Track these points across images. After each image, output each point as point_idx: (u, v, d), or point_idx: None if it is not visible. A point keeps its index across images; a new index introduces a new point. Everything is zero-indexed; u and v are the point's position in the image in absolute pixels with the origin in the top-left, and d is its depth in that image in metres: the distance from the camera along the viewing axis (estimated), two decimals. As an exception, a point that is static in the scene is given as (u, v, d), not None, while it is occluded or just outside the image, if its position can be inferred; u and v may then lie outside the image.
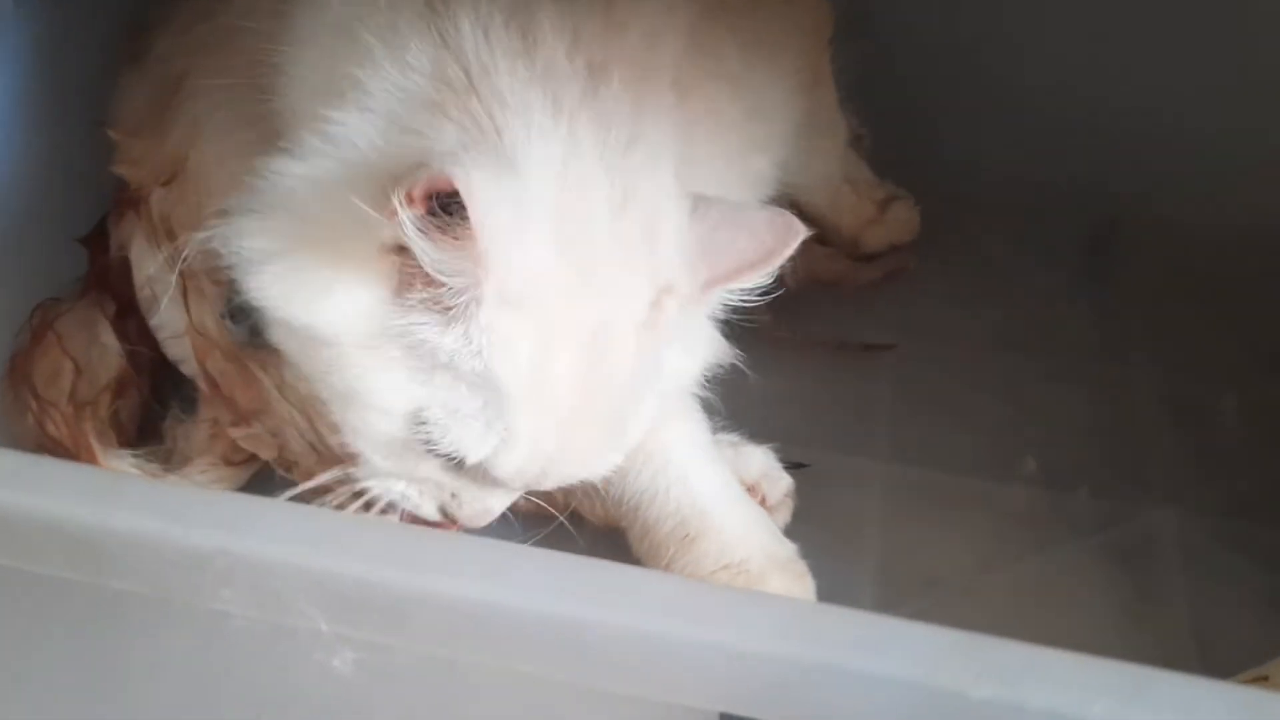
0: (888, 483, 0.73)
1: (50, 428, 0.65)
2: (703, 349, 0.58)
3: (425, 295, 0.47)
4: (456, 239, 0.43)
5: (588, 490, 0.62)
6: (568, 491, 0.62)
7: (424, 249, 0.44)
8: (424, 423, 0.48)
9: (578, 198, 0.48)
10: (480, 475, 0.50)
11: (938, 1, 0.90)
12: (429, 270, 0.45)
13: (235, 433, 0.65)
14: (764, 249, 0.49)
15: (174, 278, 0.66)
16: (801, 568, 0.63)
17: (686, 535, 0.62)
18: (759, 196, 0.65)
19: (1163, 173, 0.90)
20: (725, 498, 0.64)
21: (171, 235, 0.66)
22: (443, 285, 0.45)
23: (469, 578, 0.31)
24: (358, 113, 0.48)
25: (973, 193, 0.92)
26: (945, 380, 0.81)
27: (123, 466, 0.64)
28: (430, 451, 0.49)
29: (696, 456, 0.64)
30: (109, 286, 0.72)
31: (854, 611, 0.36)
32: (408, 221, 0.43)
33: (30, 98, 0.71)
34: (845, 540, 0.68)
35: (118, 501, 0.32)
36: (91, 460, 0.64)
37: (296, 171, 0.48)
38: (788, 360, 0.76)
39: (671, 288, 0.50)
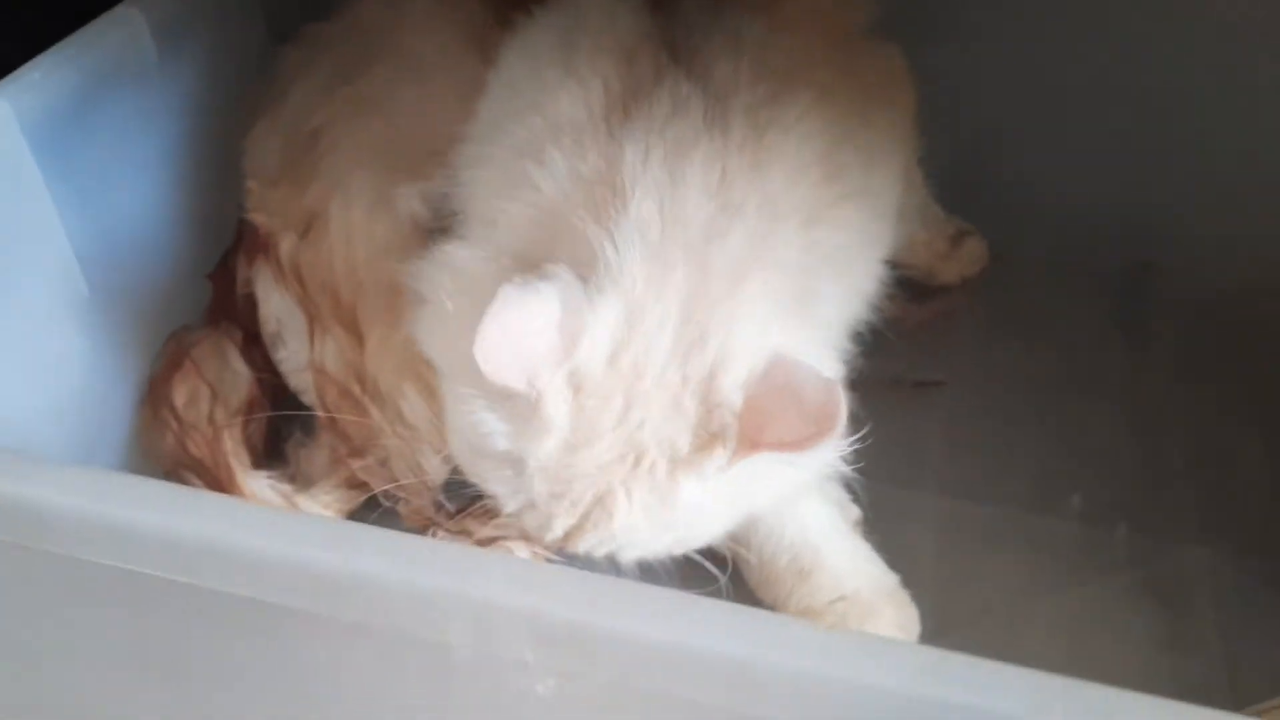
0: (939, 516, 0.77)
1: (192, 448, 0.72)
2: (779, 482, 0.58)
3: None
4: None
5: None
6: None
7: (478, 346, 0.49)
8: (476, 463, 0.56)
9: (647, 335, 0.52)
10: None
11: (980, 48, 0.93)
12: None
13: (352, 463, 0.72)
14: (805, 432, 0.50)
15: (301, 317, 0.73)
16: (906, 597, 0.68)
17: (801, 569, 0.66)
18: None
19: (1196, 218, 0.95)
20: (836, 533, 0.68)
21: (300, 280, 0.72)
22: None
23: (650, 620, 0.38)
24: (521, 209, 0.55)
25: (1015, 235, 0.96)
26: (992, 417, 0.85)
27: (258, 486, 0.71)
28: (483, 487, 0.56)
29: (808, 495, 0.68)
30: (235, 317, 0.78)
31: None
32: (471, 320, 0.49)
33: (167, 143, 0.76)
34: (900, 570, 0.71)
35: (359, 549, 0.39)
36: (230, 479, 0.71)
37: (466, 251, 0.55)
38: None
39: (724, 437, 0.52)
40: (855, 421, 0.70)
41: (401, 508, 0.70)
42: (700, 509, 0.54)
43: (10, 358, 0.65)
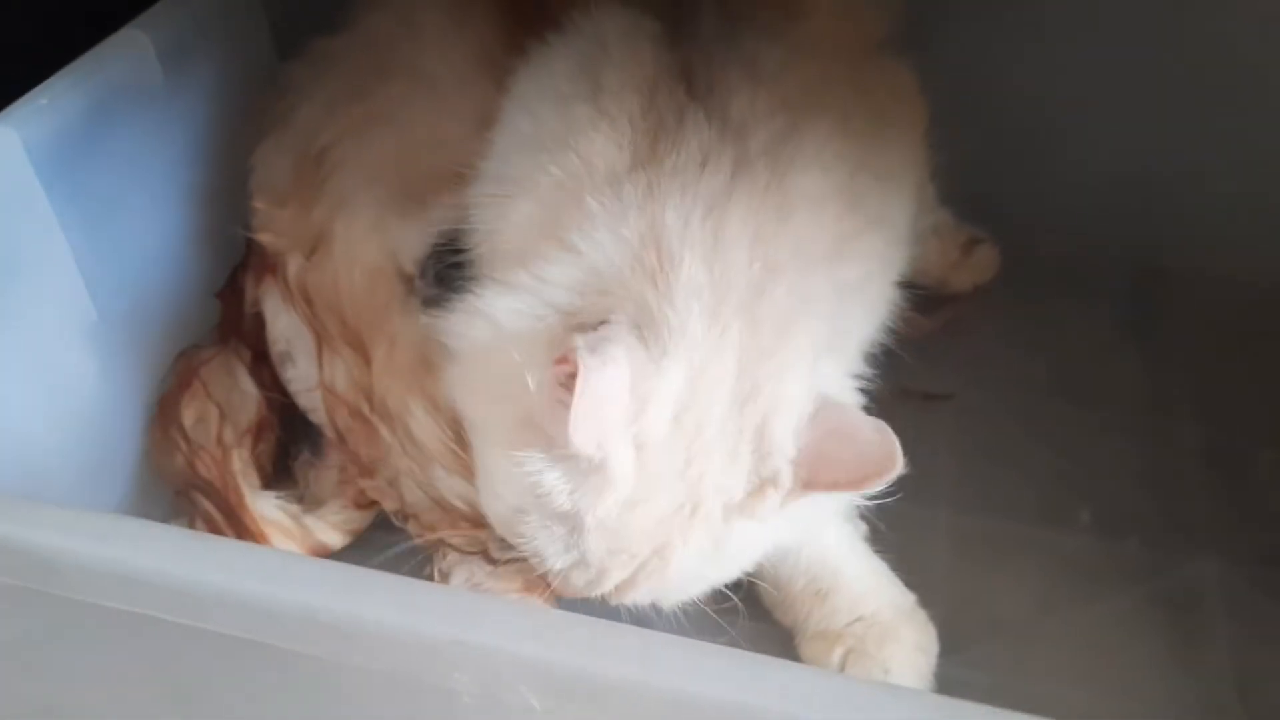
0: (950, 529, 0.77)
1: (201, 468, 0.72)
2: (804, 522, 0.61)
3: (544, 433, 0.53)
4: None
5: None
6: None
7: (541, 402, 0.51)
8: (520, 522, 0.55)
9: (707, 393, 0.53)
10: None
11: (992, 61, 0.93)
12: (539, 420, 0.52)
13: (362, 483, 0.72)
14: (862, 473, 0.52)
15: (310, 337, 0.73)
16: (924, 616, 0.68)
17: (819, 591, 0.67)
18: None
19: (1206, 227, 0.95)
20: (852, 554, 0.68)
21: (308, 300, 0.72)
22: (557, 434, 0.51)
23: (656, 668, 0.38)
24: (566, 266, 0.55)
25: (1025, 245, 0.96)
26: (1002, 430, 0.85)
27: (266, 507, 0.71)
28: (524, 545, 0.55)
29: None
30: (243, 336, 0.78)
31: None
32: (540, 379, 0.51)
33: (174, 164, 0.76)
34: (911, 586, 0.71)
35: (367, 596, 0.39)
36: (238, 499, 0.71)
37: (505, 302, 0.56)
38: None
39: (776, 480, 0.54)
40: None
41: (412, 526, 0.70)
42: (746, 549, 0.57)
43: (22, 381, 0.66)
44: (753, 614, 0.66)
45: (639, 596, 0.56)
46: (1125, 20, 0.91)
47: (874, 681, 0.61)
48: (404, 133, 0.66)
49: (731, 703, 0.37)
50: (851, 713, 0.36)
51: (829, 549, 0.68)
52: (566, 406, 0.49)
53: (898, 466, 0.51)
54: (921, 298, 0.78)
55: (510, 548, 0.64)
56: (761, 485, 0.53)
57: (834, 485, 0.53)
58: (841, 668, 0.66)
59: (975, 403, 0.87)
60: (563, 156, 0.58)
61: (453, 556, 0.67)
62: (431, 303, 0.68)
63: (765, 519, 0.54)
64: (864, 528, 0.72)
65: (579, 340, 0.50)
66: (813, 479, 0.53)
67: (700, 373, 0.53)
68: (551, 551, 0.55)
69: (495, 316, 0.56)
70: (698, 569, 0.55)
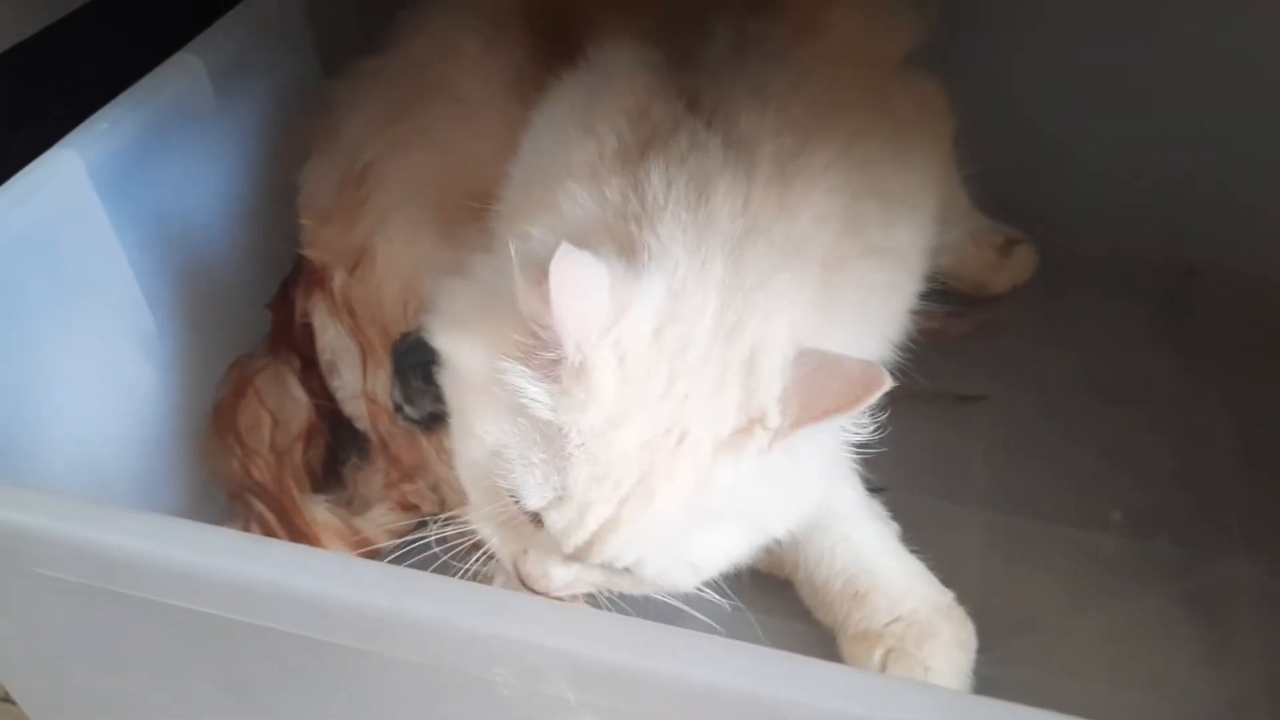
0: (983, 528, 0.78)
1: (255, 473, 0.75)
2: (811, 488, 0.59)
3: (529, 345, 0.53)
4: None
5: None
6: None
7: (527, 305, 0.51)
8: (500, 459, 0.54)
9: (689, 313, 0.53)
10: (545, 536, 0.54)
11: (1024, 63, 0.94)
12: (527, 322, 0.52)
13: (404, 487, 0.75)
14: (853, 395, 0.51)
15: (354, 348, 0.76)
16: (962, 613, 0.68)
17: (856, 593, 0.67)
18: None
19: (1240, 226, 0.95)
20: (888, 553, 0.69)
21: (352, 312, 0.75)
22: (539, 340, 0.52)
23: (683, 662, 0.40)
24: (546, 225, 0.56)
25: (1058, 245, 0.96)
26: (1034, 429, 0.86)
27: (317, 510, 0.74)
28: (501, 488, 0.54)
29: (857, 518, 0.69)
30: (294, 346, 0.81)
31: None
32: (525, 278, 0.51)
33: (226, 181, 0.80)
34: (945, 584, 0.71)
35: (412, 593, 0.41)
36: (291, 503, 0.74)
37: (487, 258, 0.57)
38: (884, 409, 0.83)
39: (764, 419, 0.53)
40: (897, 435, 0.72)
41: (452, 530, 0.72)
42: (738, 503, 0.54)
43: (86, 389, 0.69)
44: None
45: (620, 549, 0.53)
46: (1159, 20, 0.91)
47: (904, 679, 0.62)
48: (442, 152, 0.69)
49: (760, 696, 0.39)
50: (876, 707, 0.38)
51: (864, 550, 0.68)
52: (547, 297, 0.49)
53: (886, 382, 0.51)
54: (953, 300, 0.79)
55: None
56: (750, 424, 0.53)
57: (825, 413, 0.52)
58: (882, 667, 0.67)
59: (1008, 403, 0.88)
60: (549, 170, 0.60)
61: (493, 562, 0.69)
62: (408, 418, 0.71)
63: (751, 460, 0.53)
64: (897, 527, 0.73)
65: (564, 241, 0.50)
66: (803, 413, 0.52)
67: (681, 294, 0.53)
68: (530, 487, 0.53)
69: (478, 273, 0.58)
70: (683, 518, 0.53)
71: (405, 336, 0.72)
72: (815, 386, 0.52)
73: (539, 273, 0.50)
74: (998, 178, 0.88)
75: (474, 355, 0.56)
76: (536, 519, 0.54)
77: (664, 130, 0.59)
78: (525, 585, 0.56)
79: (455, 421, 0.59)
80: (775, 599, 0.72)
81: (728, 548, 0.57)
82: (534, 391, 0.52)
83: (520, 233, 0.56)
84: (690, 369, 0.53)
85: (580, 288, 0.50)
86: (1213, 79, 0.92)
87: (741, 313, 0.54)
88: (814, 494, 0.59)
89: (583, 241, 0.54)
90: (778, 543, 0.64)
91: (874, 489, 0.73)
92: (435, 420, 0.70)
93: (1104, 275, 0.98)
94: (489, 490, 0.56)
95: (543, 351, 0.52)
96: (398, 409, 0.72)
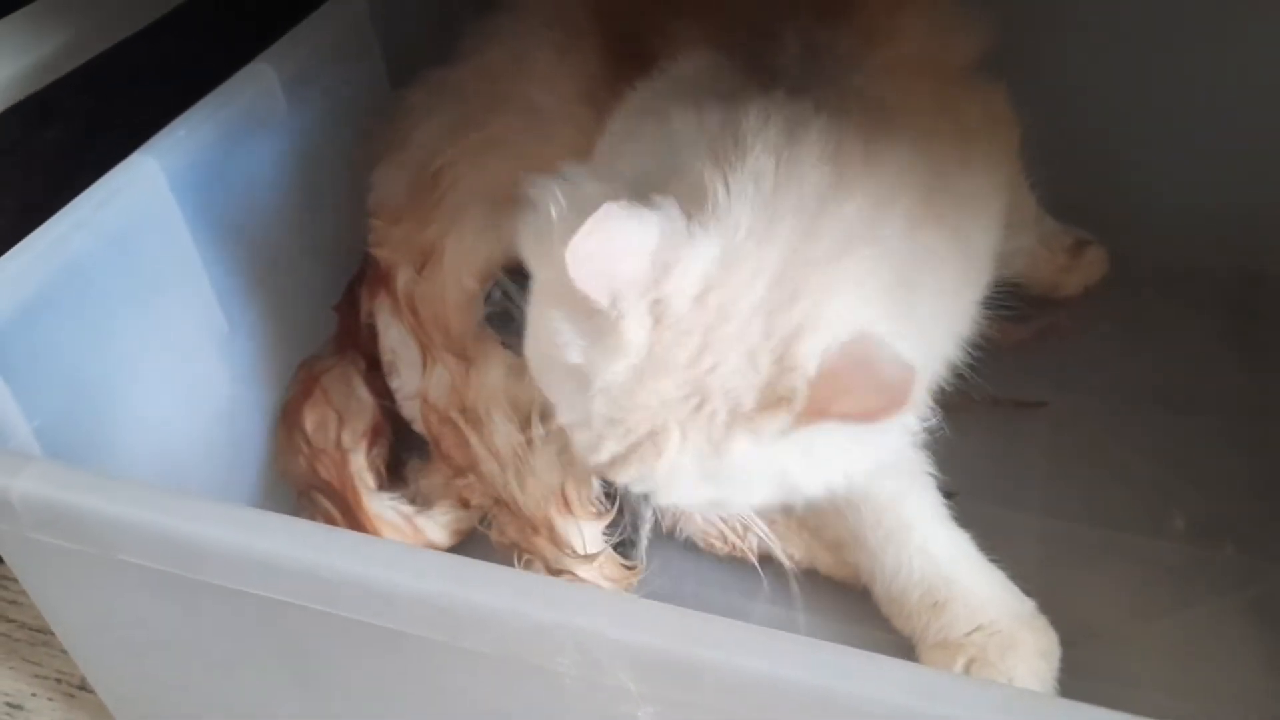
0: (1042, 536, 0.77)
1: (322, 471, 0.77)
2: (831, 468, 0.58)
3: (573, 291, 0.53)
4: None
5: (829, 549, 0.70)
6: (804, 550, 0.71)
7: (564, 254, 0.51)
8: (548, 371, 0.57)
9: (740, 281, 0.52)
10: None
11: (1092, 70, 0.94)
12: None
13: (457, 482, 0.76)
14: (871, 408, 0.50)
15: (415, 347, 0.77)
16: (1044, 622, 0.68)
17: (935, 603, 0.67)
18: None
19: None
20: (966, 562, 0.69)
21: (415, 312, 0.77)
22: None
23: (743, 654, 0.41)
24: (641, 153, 0.58)
25: (1123, 252, 0.96)
26: (1095, 436, 0.85)
27: (381, 507, 0.76)
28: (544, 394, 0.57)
29: (933, 526, 0.69)
30: (359, 346, 0.83)
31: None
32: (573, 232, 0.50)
33: (295, 186, 0.81)
34: None
35: (479, 584, 0.43)
36: (356, 500, 0.76)
37: (583, 178, 0.58)
38: (944, 415, 0.82)
39: (790, 401, 0.51)
40: (956, 441, 0.72)
41: (493, 534, 0.74)
42: (747, 471, 0.54)
43: (162, 388, 0.71)
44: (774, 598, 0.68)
45: (631, 479, 0.56)
46: (1223, 24, 0.90)
47: (953, 675, 0.62)
48: (515, 159, 0.69)
49: (819, 689, 0.39)
50: (935, 700, 0.39)
51: (942, 559, 0.68)
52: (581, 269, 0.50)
53: (908, 401, 0.50)
54: (1025, 303, 0.79)
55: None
56: (775, 402, 0.51)
57: (842, 416, 0.50)
58: None
59: (1068, 410, 0.88)
60: (651, 132, 0.60)
61: (536, 564, 0.71)
62: (492, 320, 0.72)
63: (768, 440, 0.52)
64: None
65: (609, 200, 0.51)
66: (824, 406, 0.51)
67: (737, 258, 0.52)
68: (563, 405, 0.57)
69: (573, 180, 0.58)
70: (693, 475, 0.54)
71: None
72: (845, 384, 0.51)
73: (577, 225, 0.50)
74: (1064, 184, 0.88)
75: (538, 270, 0.58)
76: None
77: (754, 92, 0.59)
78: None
79: (531, 319, 0.60)
80: (853, 607, 0.72)
81: (738, 500, 0.58)
82: (567, 330, 0.54)
83: (613, 162, 0.59)
84: (724, 341, 0.52)
85: (619, 247, 0.51)
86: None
87: (798, 286, 0.53)
88: (854, 469, 0.58)
89: (664, 170, 0.55)
90: (850, 553, 0.67)
91: (946, 493, 0.72)
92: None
93: (1168, 282, 0.97)
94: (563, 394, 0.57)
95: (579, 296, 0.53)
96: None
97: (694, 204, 0.54)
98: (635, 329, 0.52)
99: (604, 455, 0.55)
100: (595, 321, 0.53)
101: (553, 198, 0.57)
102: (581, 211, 0.52)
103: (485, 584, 0.43)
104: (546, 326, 0.56)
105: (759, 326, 0.52)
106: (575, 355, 0.54)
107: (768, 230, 0.53)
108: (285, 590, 0.46)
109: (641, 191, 0.54)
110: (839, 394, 0.51)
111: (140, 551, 0.49)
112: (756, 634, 0.41)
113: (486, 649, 0.43)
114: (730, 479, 0.55)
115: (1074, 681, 0.68)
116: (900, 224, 0.57)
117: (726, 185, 0.54)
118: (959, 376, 0.70)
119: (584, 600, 0.42)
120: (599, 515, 0.71)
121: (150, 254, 0.68)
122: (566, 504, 0.70)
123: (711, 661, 0.40)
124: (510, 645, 0.43)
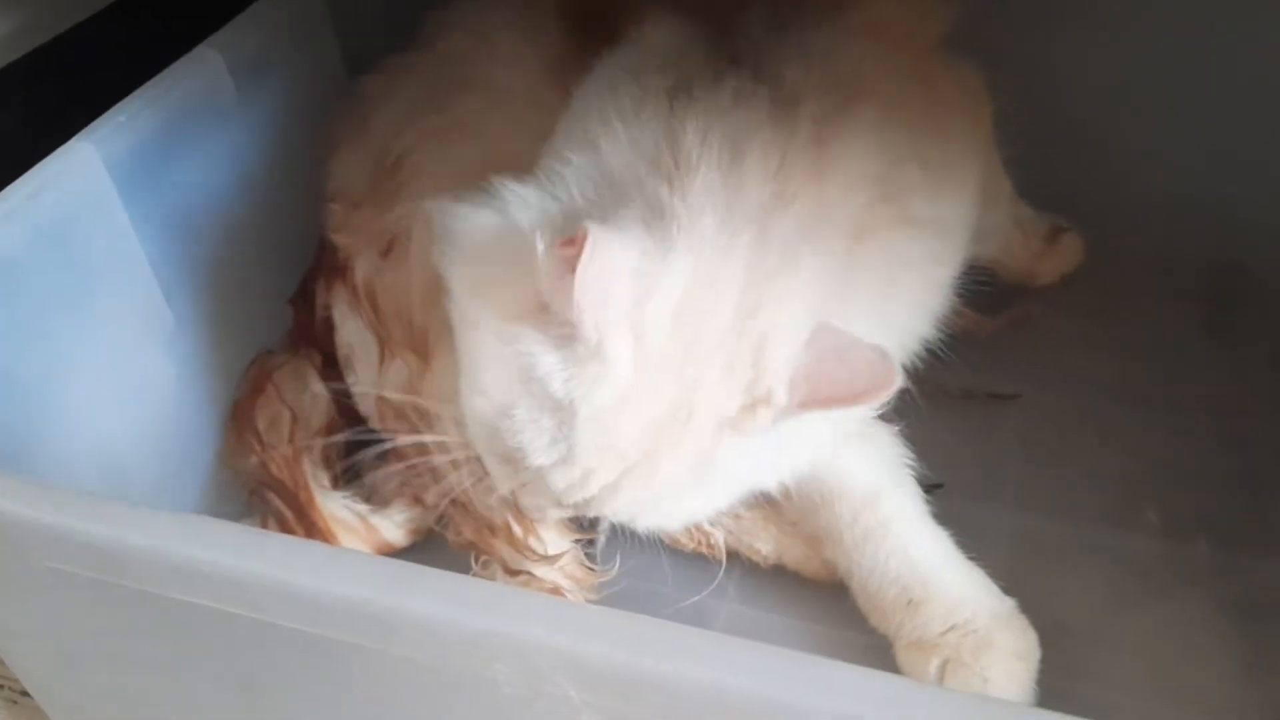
0: (1013, 530, 0.76)
1: (273, 469, 0.75)
2: (800, 455, 0.61)
3: (544, 317, 0.53)
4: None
5: (805, 547, 0.69)
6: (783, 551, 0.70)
7: (546, 276, 0.51)
8: (508, 417, 0.54)
9: (711, 296, 0.53)
10: (544, 484, 0.55)
11: (1067, 56, 0.93)
12: (544, 295, 0.52)
13: (413, 480, 0.74)
14: (856, 390, 0.52)
15: (372, 342, 0.75)
16: (1023, 622, 0.67)
17: (910, 601, 0.66)
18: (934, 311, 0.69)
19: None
20: (943, 561, 0.68)
21: (374, 305, 0.74)
22: (554, 313, 0.52)
23: (688, 661, 0.39)
24: (581, 163, 0.56)
25: (1099, 243, 0.95)
26: (1068, 430, 0.84)
27: (335, 507, 0.74)
28: (508, 445, 0.54)
29: (911, 523, 0.68)
30: (315, 340, 0.81)
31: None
32: (548, 254, 0.51)
33: (246, 176, 0.79)
34: None
35: (413, 589, 0.40)
36: (309, 500, 0.73)
37: (516, 191, 0.56)
38: (914, 408, 0.81)
39: (769, 399, 0.53)
40: (927, 433, 0.71)
41: (450, 534, 0.72)
42: (731, 471, 0.56)
43: (104, 385, 0.69)
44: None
45: (620, 508, 0.55)
46: (1205, 15, 0.90)
47: (906, 680, 0.60)
48: (480, 143, 0.68)
49: (764, 697, 0.37)
50: (881, 707, 0.37)
51: (918, 558, 0.67)
52: (570, 284, 0.49)
53: (895, 382, 0.51)
54: (987, 295, 0.77)
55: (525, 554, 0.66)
56: (754, 403, 0.53)
57: (829, 402, 0.53)
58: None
59: (1041, 402, 0.86)
60: (599, 113, 0.59)
61: (493, 565, 0.69)
62: None
63: (755, 434, 0.54)
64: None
65: (588, 221, 0.50)
66: (809, 397, 0.53)
67: (708, 273, 0.53)
68: (537, 446, 0.54)
69: (505, 203, 0.56)
70: (682, 486, 0.55)
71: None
72: (824, 373, 0.53)
73: (561, 251, 0.50)
74: (1043, 173, 0.87)
75: (487, 313, 0.56)
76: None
77: (706, 82, 0.58)
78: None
79: (464, 371, 0.58)
80: (827, 608, 0.71)
81: (717, 502, 0.59)
82: (548, 362, 0.53)
83: (561, 158, 0.57)
84: (704, 353, 0.53)
85: (605, 272, 0.50)
86: (1265, 77, 0.90)
87: (762, 294, 0.54)
88: (816, 453, 0.60)
89: (613, 190, 0.55)
90: (826, 551, 0.66)
91: (930, 486, 0.72)
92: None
93: (1144, 274, 0.96)
94: (493, 444, 0.56)
95: (558, 321, 0.52)
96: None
97: (653, 218, 0.54)
98: (620, 351, 0.52)
99: (593, 488, 0.54)
100: (574, 349, 0.52)
101: (486, 228, 0.56)
102: (528, 226, 0.52)
103: (417, 589, 0.41)
104: (510, 363, 0.54)
105: (733, 337, 0.53)
106: (557, 388, 0.53)
107: (730, 244, 0.54)
108: (211, 596, 0.45)
109: (588, 211, 0.54)
110: (816, 385, 0.53)
111: (64, 558, 0.47)
112: (702, 639, 0.39)
113: (421, 657, 0.41)
114: (714, 483, 0.57)
115: (1045, 679, 0.66)
116: (841, 238, 0.57)
117: (686, 202, 0.54)
118: (933, 363, 0.70)
119: (520, 606, 0.40)
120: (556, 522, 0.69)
121: (89, 246, 0.66)
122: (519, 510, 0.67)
123: (655, 669, 0.39)
124: (445, 653, 0.41)
